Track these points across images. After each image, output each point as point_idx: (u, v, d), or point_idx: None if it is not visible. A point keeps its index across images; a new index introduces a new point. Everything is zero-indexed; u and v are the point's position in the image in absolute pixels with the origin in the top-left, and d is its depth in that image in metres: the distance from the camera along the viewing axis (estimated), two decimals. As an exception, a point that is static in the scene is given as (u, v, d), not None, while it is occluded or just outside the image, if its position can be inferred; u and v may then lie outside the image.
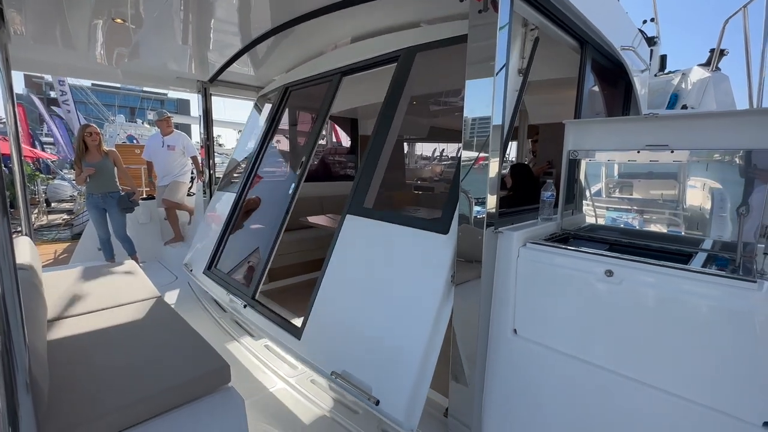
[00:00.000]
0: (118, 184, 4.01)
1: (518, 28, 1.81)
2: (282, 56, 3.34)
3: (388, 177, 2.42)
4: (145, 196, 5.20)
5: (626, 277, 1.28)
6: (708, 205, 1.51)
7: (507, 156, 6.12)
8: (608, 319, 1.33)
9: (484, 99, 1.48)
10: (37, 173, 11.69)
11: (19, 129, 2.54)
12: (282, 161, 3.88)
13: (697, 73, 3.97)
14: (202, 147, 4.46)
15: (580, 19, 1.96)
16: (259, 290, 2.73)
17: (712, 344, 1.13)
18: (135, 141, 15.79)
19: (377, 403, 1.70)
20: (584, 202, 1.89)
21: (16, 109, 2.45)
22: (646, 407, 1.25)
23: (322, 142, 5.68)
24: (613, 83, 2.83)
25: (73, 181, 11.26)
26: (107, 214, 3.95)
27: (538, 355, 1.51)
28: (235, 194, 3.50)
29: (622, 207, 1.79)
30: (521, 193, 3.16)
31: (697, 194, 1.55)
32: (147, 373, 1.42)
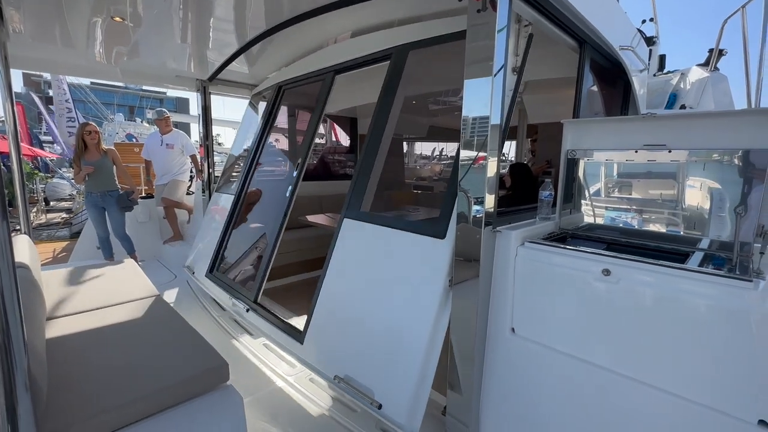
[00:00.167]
0: (117, 182, 4.01)
1: (511, 25, 1.81)
2: (275, 54, 3.32)
3: (386, 177, 2.42)
4: (144, 194, 5.19)
5: (623, 276, 1.29)
6: (706, 205, 1.52)
7: (506, 155, 6.13)
8: (606, 318, 1.33)
9: (482, 99, 1.48)
10: (36, 172, 11.67)
11: (18, 127, 2.54)
12: (279, 162, 3.87)
13: (696, 73, 3.98)
14: (201, 145, 4.45)
15: (579, 18, 1.97)
16: (261, 293, 2.74)
17: (709, 343, 1.14)
18: (134, 140, 15.78)
19: (380, 407, 1.72)
20: (582, 201, 1.90)
21: (15, 108, 2.45)
22: (643, 405, 1.26)
23: (321, 141, 5.68)
24: (612, 83, 2.84)
25: (72, 180, 11.24)
26: (106, 213, 3.95)
27: (535, 354, 1.52)
28: (233, 196, 3.49)
29: (620, 206, 1.79)
30: (520, 193, 3.17)
31: (695, 194, 1.56)
32: (146, 371, 1.42)
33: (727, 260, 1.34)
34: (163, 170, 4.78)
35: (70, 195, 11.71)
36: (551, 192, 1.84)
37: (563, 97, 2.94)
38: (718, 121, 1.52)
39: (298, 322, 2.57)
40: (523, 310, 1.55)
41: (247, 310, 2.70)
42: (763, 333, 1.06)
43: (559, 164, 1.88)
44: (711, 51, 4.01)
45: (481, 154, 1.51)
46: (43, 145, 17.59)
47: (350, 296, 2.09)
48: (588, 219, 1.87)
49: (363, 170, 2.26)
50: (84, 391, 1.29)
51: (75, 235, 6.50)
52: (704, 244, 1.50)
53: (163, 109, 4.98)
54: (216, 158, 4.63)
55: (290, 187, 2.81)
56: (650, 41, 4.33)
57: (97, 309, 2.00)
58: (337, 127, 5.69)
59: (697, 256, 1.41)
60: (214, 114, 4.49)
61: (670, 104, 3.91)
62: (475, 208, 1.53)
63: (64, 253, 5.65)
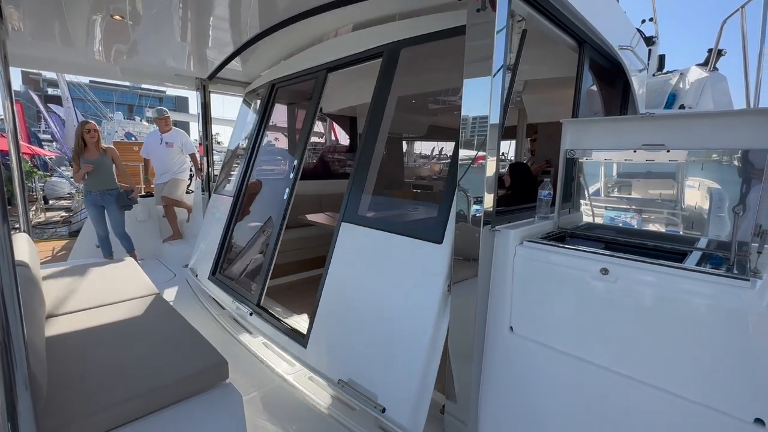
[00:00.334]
0: (116, 181, 4.00)
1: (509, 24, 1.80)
2: (267, 51, 3.28)
3: (386, 177, 2.41)
4: (143, 193, 5.19)
5: (621, 276, 1.29)
6: (705, 205, 1.53)
7: (506, 155, 6.13)
8: (604, 317, 1.34)
9: (481, 98, 1.48)
10: (35, 170, 11.64)
11: (17, 126, 2.54)
12: (275, 162, 3.85)
13: (695, 73, 3.99)
14: (200, 144, 4.45)
15: (579, 18, 1.97)
16: (263, 295, 2.75)
17: (706, 342, 1.14)
18: (133, 138, 15.74)
19: (383, 410, 1.75)
20: (581, 201, 1.90)
21: (14, 106, 2.44)
22: (641, 404, 1.26)
23: (320, 140, 5.67)
24: (611, 83, 2.84)
25: (71, 179, 11.23)
26: (106, 212, 3.94)
27: (534, 353, 1.52)
28: (231, 198, 3.48)
29: (619, 206, 1.80)
30: (520, 192, 3.17)
31: (694, 194, 1.56)
32: (146, 369, 1.42)
33: (724, 260, 1.35)
34: (162, 169, 4.78)
35: (69, 193, 11.70)
36: (550, 191, 1.84)
37: (562, 96, 2.95)
38: (716, 121, 1.52)
39: (300, 322, 2.59)
40: (522, 308, 1.55)
41: (251, 314, 2.72)
42: (759, 332, 1.07)
43: (558, 164, 1.88)
44: (710, 51, 4.02)
45: (480, 153, 1.51)
46: (42, 143, 17.55)
47: (351, 300, 2.09)
48: (587, 218, 1.88)
49: (359, 173, 2.24)
50: (84, 389, 1.30)
51: (74, 234, 6.50)
52: (702, 243, 1.50)
53: (164, 108, 4.98)
54: (216, 157, 4.62)
55: (287, 190, 2.79)
56: (650, 41, 4.33)
57: (97, 307, 2.01)
58: (336, 126, 5.69)
59: (695, 256, 1.41)
60: (214, 113, 4.49)
61: (669, 104, 3.91)
62: (474, 207, 1.54)
63: (63, 252, 5.64)
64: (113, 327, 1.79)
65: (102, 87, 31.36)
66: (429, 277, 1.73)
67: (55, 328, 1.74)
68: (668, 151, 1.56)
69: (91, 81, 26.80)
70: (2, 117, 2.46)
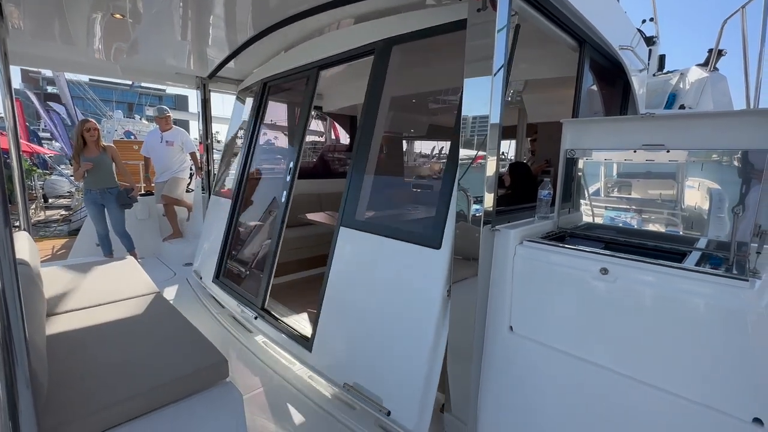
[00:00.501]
0: (116, 179, 4.00)
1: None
2: (258, 48, 3.22)
3: (386, 176, 2.39)
4: (143, 192, 5.19)
5: (621, 275, 1.30)
6: (704, 205, 1.53)
7: (506, 154, 6.13)
8: (603, 317, 1.34)
9: (482, 98, 1.49)
10: (34, 168, 11.63)
11: (18, 124, 2.54)
12: (272, 162, 3.82)
13: (695, 73, 3.99)
14: (201, 143, 4.44)
15: (579, 18, 1.97)
16: (267, 298, 2.76)
17: (705, 342, 1.15)
18: (133, 137, 15.71)
19: (389, 413, 1.76)
20: (581, 201, 1.90)
21: (14, 105, 2.44)
22: (640, 403, 1.27)
23: (321, 139, 5.67)
24: (612, 83, 2.84)
25: (71, 177, 11.21)
26: (106, 210, 3.94)
27: (533, 352, 1.53)
28: (230, 200, 3.47)
29: (619, 206, 1.80)
30: (520, 192, 3.17)
31: (694, 194, 1.56)
32: (146, 367, 1.43)
33: (724, 260, 1.35)
34: (162, 167, 4.78)
35: (68, 192, 11.69)
36: (550, 191, 1.85)
37: (563, 96, 2.95)
38: (716, 121, 1.53)
39: (303, 324, 2.60)
40: (522, 308, 1.56)
41: (256, 318, 2.73)
42: (758, 332, 1.07)
43: (558, 163, 1.88)
44: (710, 51, 4.02)
45: (480, 153, 1.51)
46: (42, 141, 17.53)
47: (352, 305, 2.10)
48: (586, 218, 1.88)
49: (355, 176, 2.21)
50: (84, 387, 1.30)
51: (74, 232, 6.50)
52: (702, 243, 1.51)
53: (164, 107, 4.97)
54: (216, 156, 4.61)
55: (284, 192, 2.77)
56: (650, 41, 4.33)
57: (98, 306, 2.01)
58: (337, 125, 5.69)
59: (695, 256, 1.41)
60: (214, 111, 4.48)
61: (669, 104, 3.91)
62: (474, 206, 1.54)
63: (63, 250, 5.64)
64: (113, 325, 1.79)
65: (102, 85, 31.31)
66: (428, 282, 1.73)
67: (55, 326, 1.74)
68: (668, 152, 1.56)
69: (90, 79, 26.77)
70: (2, 115, 2.46)
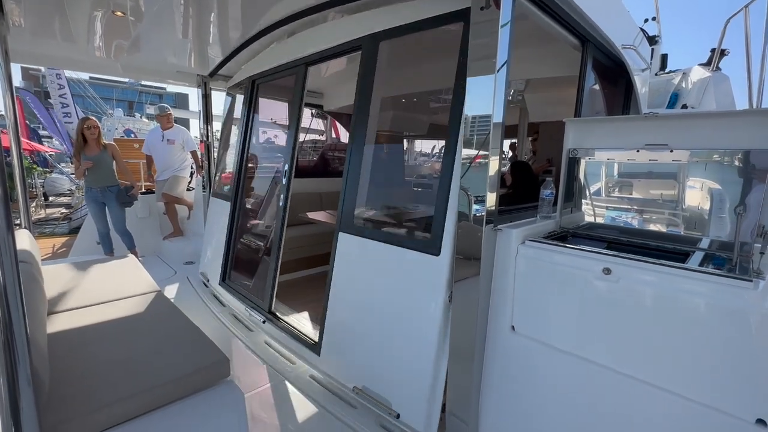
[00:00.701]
0: (117, 178, 4.00)
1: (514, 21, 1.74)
2: (255, 45, 3.15)
3: (386, 176, 2.36)
4: (144, 190, 5.18)
5: (624, 275, 1.29)
6: (706, 205, 1.52)
7: (506, 154, 6.12)
8: (606, 317, 1.34)
9: (485, 97, 1.48)
10: (35, 166, 11.63)
11: (18, 122, 2.53)
12: (267, 162, 3.78)
13: (698, 73, 3.98)
14: (201, 141, 4.44)
15: (582, 17, 1.96)
16: (274, 301, 2.76)
17: (708, 342, 1.14)
18: (133, 135, 15.69)
19: (398, 416, 1.78)
20: (583, 200, 1.90)
21: (15, 102, 2.44)
22: (643, 404, 1.26)
23: (321, 138, 5.66)
24: (614, 82, 2.84)
25: (72, 175, 11.22)
26: (106, 208, 3.94)
27: (535, 352, 1.52)
28: (230, 203, 3.46)
29: (621, 206, 1.79)
30: (521, 191, 3.17)
31: (696, 194, 1.56)
32: (147, 366, 1.43)
33: (727, 260, 1.34)
34: (163, 166, 4.78)
35: (69, 190, 11.69)
36: (552, 191, 1.84)
37: (564, 95, 2.94)
38: (719, 121, 1.52)
39: (309, 325, 2.61)
40: (524, 308, 1.55)
41: (264, 322, 2.73)
42: (762, 333, 1.06)
43: (560, 163, 1.88)
44: (713, 51, 4.00)
45: (482, 152, 1.51)
46: (42, 140, 17.52)
47: (356, 309, 2.10)
48: (588, 218, 1.88)
49: (350, 180, 2.15)
50: (86, 386, 1.30)
51: (74, 231, 6.50)
52: (704, 243, 1.50)
53: (165, 105, 4.96)
54: (216, 154, 4.60)
55: (282, 195, 2.75)
56: (652, 40, 4.32)
57: (99, 304, 2.01)
58: (337, 123, 5.68)
59: (698, 256, 1.41)
60: (214, 110, 4.46)
61: (671, 104, 3.91)
62: (476, 206, 1.54)
63: (63, 249, 5.65)
64: (114, 324, 1.79)
65: (102, 83, 31.30)
66: (429, 288, 1.73)
67: (56, 324, 1.74)
68: (671, 151, 1.56)
69: (91, 77, 26.75)
70: (3, 113, 2.45)
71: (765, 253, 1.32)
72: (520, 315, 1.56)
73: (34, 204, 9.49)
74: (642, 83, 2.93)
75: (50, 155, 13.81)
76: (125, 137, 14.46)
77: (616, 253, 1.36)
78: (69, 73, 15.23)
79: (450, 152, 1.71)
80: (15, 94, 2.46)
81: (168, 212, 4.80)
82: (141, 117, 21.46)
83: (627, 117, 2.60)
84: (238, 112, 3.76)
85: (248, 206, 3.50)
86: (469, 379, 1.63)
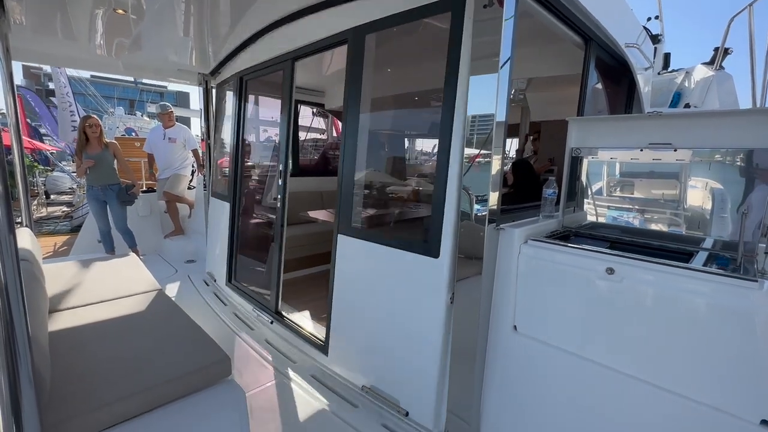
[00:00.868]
0: (118, 176, 4.00)
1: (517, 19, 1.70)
2: (230, 37, 3.06)
3: (382, 178, 2.33)
4: (145, 188, 5.18)
5: (627, 275, 1.29)
6: (709, 205, 1.52)
7: (507, 153, 6.11)
8: (609, 317, 1.33)
9: (487, 95, 1.47)
10: (36, 164, 11.63)
11: (20, 120, 2.53)
12: (263, 161, 3.73)
13: (701, 72, 3.95)
14: (202, 140, 4.43)
15: (585, 15, 1.95)
16: (280, 302, 2.76)
17: (712, 343, 1.14)
18: (134, 134, 15.69)
19: (407, 414, 1.80)
20: (585, 200, 1.89)
21: (16, 100, 2.44)
22: (645, 404, 1.26)
23: (322, 136, 5.65)
24: (617, 81, 2.82)
25: (73, 173, 11.22)
26: (108, 207, 3.94)
27: (537, 352, 1.52)
28: (229, 203, 3.44)
29: (623, 205, 1.79)
30: (523, 190, 3.16)
31: (699, 194, 1.55)
32: (148, 364, 1.43)
33: (731, 260, 1.34)
34: (165, 164, 4.77)
35: (70, 188, 11.69)
36: (555, 190, 1.83)
37: (566, 94, 2.92)
38: (723, 120, 1.51)
39: (314, 324, 2.61)
40: (526, 307, 1.55)
41: (272, 322, 2.74)
42: (767, 333, 1.06)
43: (562, 162, 1.87)
44: (716, 49, 3.98)
45: (485, 151, 1.50)
46: (43, 138, 17.53)
47: (360, 311, 2.10)
48: (591, 217, 1.87)
49: (345, 180, 2.12)
50: (87, 384, 1.30)
51: (75, 229, 6.51)
52: (708, 243, 1.49)
53: (167, 104, 4.95)
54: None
55: (279, 197, 2.72)
56: (655, 39, 4.30)
57: (100, 302, 2.01)
58: (339, 122, 5.67)
59: (702, 256, 1.40)
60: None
61: (674, 103, 3.89)
62: (478, 206, 1.53)
63: (64, 247, 5.66)
64: (116, 322, 1.79)
65: (103, 82, 31.30)
66: (430, 290, 1.73)
67: (57, 323, 1.74)
68: (675, 150, 1.55)
69: (92, 76, 26.76)
70: (4, 111, 2.45)
71: (770, 253, 1.31)
72: (523, 315, 1.56)
73: (35, 202, 9.50)
74: (645, 82, 2.91)
75: (51, 153, 13.82)
76: (126, 136, 14.44)
77: (619, 252, 1.35)
78: (70, 72, 15.22)
79: (444, 152, 1.65)
80: (16, 92, 2.46)
81: (169, 211, 4.80)
82: (142, 115, 21.46)
83: (630, 116, 2.58)
84: (227, 111, 3.71)
85: (247, 206, 3.49)
86: (471, 378, 1.63)
